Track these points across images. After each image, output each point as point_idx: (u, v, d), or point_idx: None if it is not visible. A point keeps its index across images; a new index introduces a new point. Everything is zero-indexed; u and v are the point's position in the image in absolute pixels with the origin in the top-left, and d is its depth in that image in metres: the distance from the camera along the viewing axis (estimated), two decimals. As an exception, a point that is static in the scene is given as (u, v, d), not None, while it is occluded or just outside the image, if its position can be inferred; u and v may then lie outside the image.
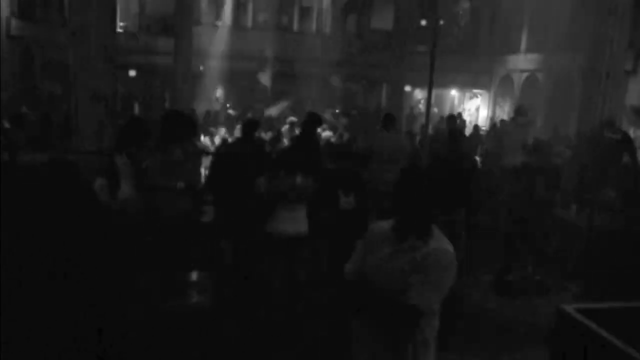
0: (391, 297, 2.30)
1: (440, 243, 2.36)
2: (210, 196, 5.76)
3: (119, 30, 15.57)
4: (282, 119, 14.07)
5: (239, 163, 5.49)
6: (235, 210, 5.35)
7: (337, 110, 18.04)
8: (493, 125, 16.67)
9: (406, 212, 2.37)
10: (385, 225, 2.50)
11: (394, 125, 6.80)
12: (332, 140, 10.58)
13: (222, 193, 5.54)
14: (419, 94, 21.83)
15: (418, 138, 10.64)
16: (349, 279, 2.51)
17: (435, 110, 19.25)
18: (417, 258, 2.31)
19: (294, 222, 4.58)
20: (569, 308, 3.19)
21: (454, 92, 22.80)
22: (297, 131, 9.37)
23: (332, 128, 13.27)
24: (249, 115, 14.67)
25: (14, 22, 15.79)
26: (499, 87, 20.75)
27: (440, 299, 2.35)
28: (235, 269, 5.56)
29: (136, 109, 17.55)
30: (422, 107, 20.64)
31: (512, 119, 7.99)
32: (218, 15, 19.80)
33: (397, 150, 6.55)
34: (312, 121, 6.04)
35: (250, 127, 6.01)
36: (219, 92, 19.80)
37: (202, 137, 10.77)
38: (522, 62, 18.98)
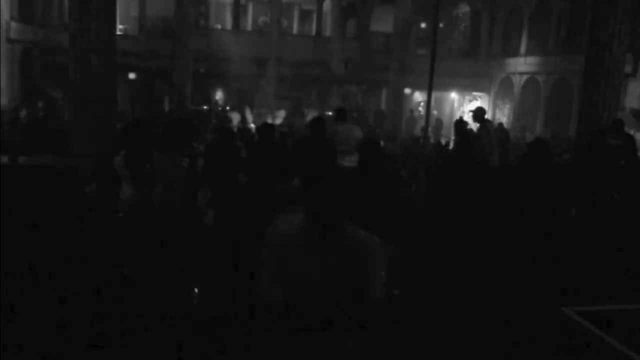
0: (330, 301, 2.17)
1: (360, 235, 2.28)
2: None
3: (119, 33, 15.59)
4: None
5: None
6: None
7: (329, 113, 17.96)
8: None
9: (325, 211, 2.27)
10: (286, 229, 2.38)
11: (344, 119, 7.24)
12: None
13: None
14: (419, 97, 21.83)
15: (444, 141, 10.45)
16: (275, 302, 2.22)
17: (434, 112, 19.24)
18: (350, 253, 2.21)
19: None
20: (571, 311, 3.18)
21: (453, 95, 22.80)
22: None
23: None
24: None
25: (14, 26, 15.79)
26: (498, 89, 20.75)
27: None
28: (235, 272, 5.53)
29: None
30: (421, 109, 20.63)
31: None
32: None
33: (348, 141, 6.79)
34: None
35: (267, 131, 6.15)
36: (219, 95, 19.76)
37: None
38: (522, 64, 18.99)
